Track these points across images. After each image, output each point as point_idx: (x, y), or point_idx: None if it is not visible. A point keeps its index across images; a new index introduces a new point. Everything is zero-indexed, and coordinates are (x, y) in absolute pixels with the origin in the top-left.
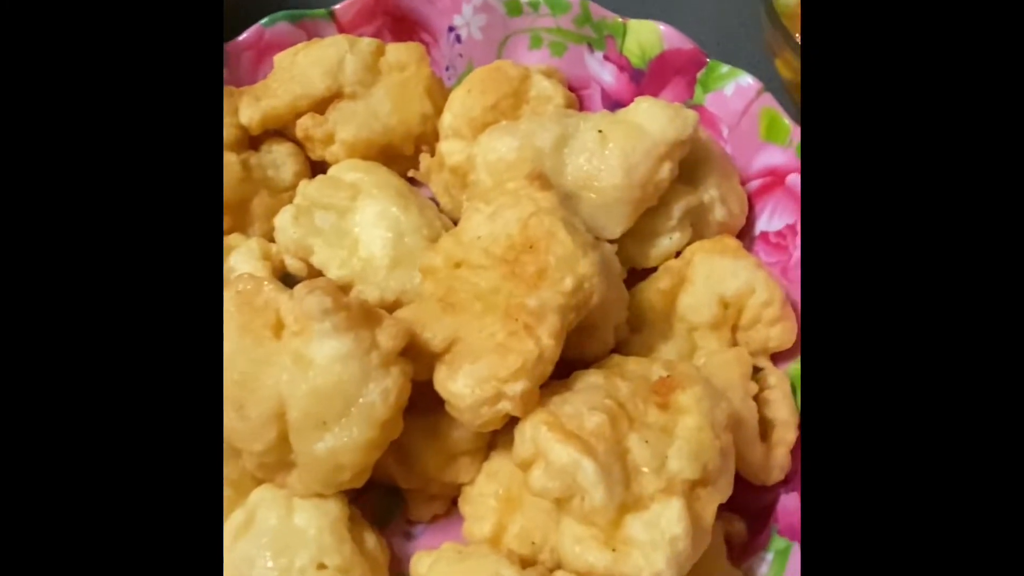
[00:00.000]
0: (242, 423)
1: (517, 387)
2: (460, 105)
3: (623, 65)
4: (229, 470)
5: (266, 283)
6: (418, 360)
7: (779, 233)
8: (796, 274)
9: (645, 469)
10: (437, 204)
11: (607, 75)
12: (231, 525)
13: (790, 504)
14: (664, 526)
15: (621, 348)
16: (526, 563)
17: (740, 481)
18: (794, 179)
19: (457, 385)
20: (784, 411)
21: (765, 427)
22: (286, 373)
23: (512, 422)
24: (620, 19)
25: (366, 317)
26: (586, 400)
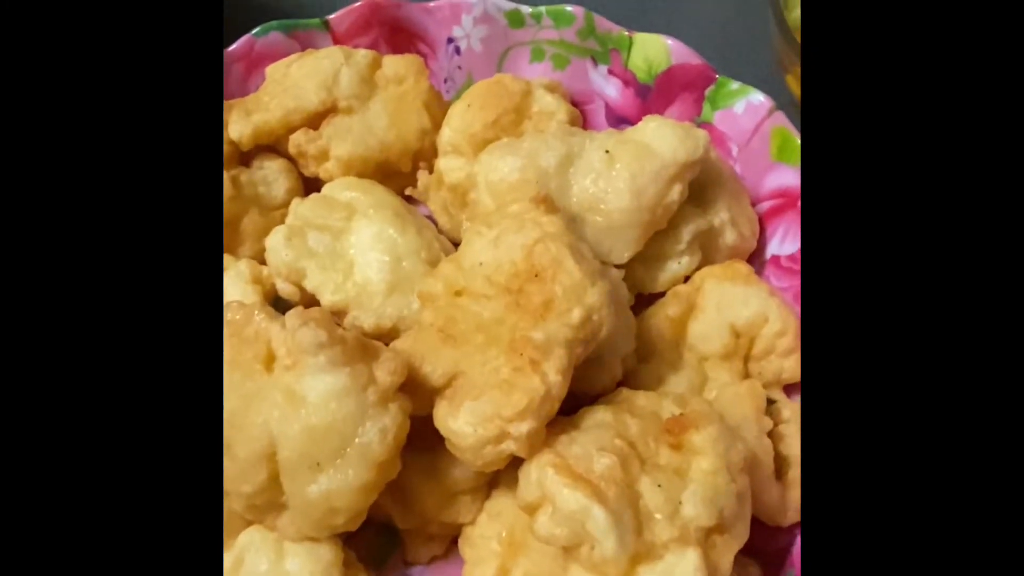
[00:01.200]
0: (230, 463)
1: (522, 427)
2: (460, 120)
3: (628, 80)
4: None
5: (257, 312)
6: (417, 394)
7: (791, 257)
8: None
9: (658, 516)
10: (435, 223)
11: (611, 90)
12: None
13: None
14: None
15: (629, 379)
16: None
17: (755, 523)
18: None
19: (459, 423)
20: (799, 448)
21: (780, 464)
22: (277, 410)
23: (516, 460)
24: (626, 32)
25: (363, 350)
26: (595, 440)
